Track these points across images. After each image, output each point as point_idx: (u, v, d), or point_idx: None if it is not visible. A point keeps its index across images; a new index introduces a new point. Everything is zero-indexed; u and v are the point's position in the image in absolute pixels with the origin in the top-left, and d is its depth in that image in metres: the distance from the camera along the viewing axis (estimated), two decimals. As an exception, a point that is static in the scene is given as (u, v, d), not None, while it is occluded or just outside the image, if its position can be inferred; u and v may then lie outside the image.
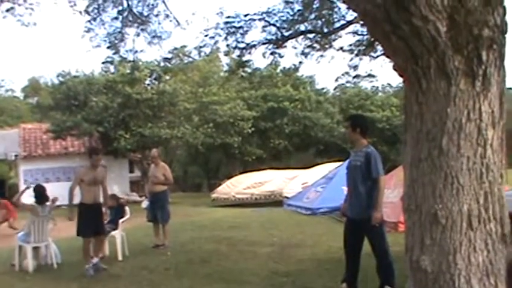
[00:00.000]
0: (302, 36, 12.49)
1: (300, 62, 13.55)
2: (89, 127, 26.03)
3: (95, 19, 11.56)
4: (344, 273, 6.73)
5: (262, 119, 33.95)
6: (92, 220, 9.19)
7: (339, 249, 7.52)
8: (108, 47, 12.45)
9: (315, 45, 12.83)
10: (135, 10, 11.40)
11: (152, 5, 11.43)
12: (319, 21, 12.16)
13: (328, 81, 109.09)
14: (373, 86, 44.17)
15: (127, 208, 11.19)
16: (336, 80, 43.50)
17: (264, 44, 12.26)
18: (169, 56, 27.97)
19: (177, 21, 11.98)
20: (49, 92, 36.17)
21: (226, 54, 19.08)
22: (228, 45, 12.63)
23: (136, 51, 13.37)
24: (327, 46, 13.03)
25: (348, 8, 10.05)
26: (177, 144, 29.16)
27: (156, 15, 11.71)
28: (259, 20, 12.01)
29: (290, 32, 12.16)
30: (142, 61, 26.44)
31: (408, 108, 3.63)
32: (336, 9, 11.95)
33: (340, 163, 19.08)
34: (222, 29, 12.16)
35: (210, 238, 12.31)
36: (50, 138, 27.91)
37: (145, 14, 11.58)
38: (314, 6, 11.92)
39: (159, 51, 59.49)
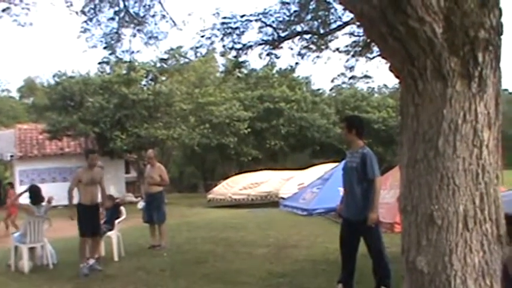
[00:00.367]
0: (298, 37, 12.50)
1: (296, 63, 13.58)
2: (85, 127, 26.00)
3: (91, 19, 11.54)
4: (340, 273, 6.75)
5: (258, 119, 33.97)
6: (89, 220, 9.23)
7: (335, 250, 7.53)
8: (104, 48, 12.45)
9: (311, 46, 12.84)
10: (131, 11, 11.39)
11: (149, 5, 11.43)
12: (316, 22, 12.17)
13: (324, 82, 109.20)
14: (369, 87, 44.30)
15: (123, 208, 11.19)
16: (332, 81, 43.67)
17: (260, 44, 12.26)
18: (166, 56, 27.97)
19: (173, 21, 11.99)
20: (45, 92, 36.07)
21: (223, 55, 19.03)
22: (224, 46, 12.63)
23: (132, 52, 13.34)
24: (323, 47, 13.04)
25: (344, 9, 10.06)
26: (173, 145, 29.13)
27: (153, 16, 11.71)
28: (256, 20, 12.01)
29: (286, 32, 12.17)
30: (138, 62, 26.42)
31: (404, 110, 3.63)
32: (332, 10, 11.96)
33: (336, 164, 19.10)
34: (218, 29, 12.17)
35: (206, 239, 12.31)
36: (46, 138, 27.89)
37: (142, 14, 11.57)
38: (310, 7, 11.92)
39: (156, 51, 59.54)
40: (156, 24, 12.00)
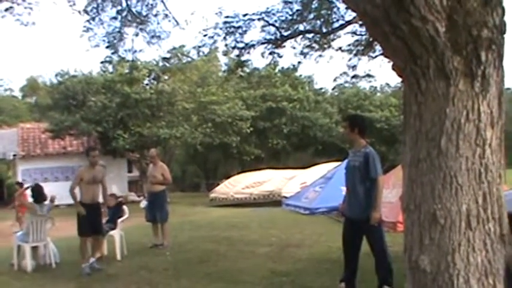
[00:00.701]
0: (301, 36, 12.48)
1: (299, 62, 13.55)
2: (88, 127, 26.04)
3: (93, 19, 11.54)
4: (343, 272, 6.75)
5: (260, 118, 33.97)
6: (90, 220, 9.20)
7: (338, 249, 7.53)
8: (107, 47, 12.44)
9: (314, 45, 12.83)
10: (134, 10, 11.39)
11: (151, 4, 11.42)
12: (318, 21, 12.16)
13: (326, 81, 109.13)
14: (372, 86, 44.15)
15: (125, 207, 11.19)
16: (335, 80, 43.47)
17: (262, 43, 12.25)
18: (168, 55, 27.96)
19: (176, 21, 11.97)
20: (47, 91, 36.17)
21: (225, 54, 19.05)
22: (226, 45, 12.63)
23: (135, 51, 13.32)
24: (325, 46, 13.03)
25: (347, 8, 10.06)
26: (176, 144, 29.14)
27: (155, 15, 11.70)
28: (258, 19, 12.00)
29: (289, 32, 12.15)
30: (141, 61, 26.43)
31: (407, 108, 3.63)
32: (335, 9, 11.94)
33: (339, 163, 19.11)
34: (221, 28, 12.15)
35: (208, 238, 12.31)
36: (49, 137, 27.93)
37: (144, 13, 11.56)
38: (313, 6, 11.91)
39: (158, 51, 59.50)
40: (158, 23, 12.00)
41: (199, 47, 13.07)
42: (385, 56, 4.08)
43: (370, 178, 6.36)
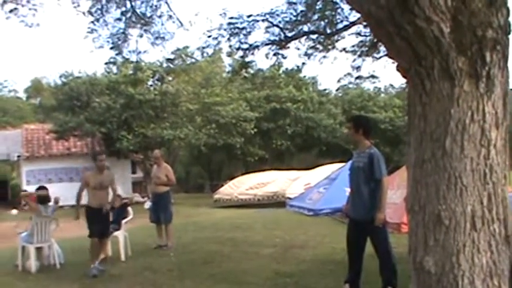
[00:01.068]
0: (305, 37, 12.48)
1: (303, 63, 13.55)
2: (92, 128, 26.05)
3: (98, 20, 11.56)
4: (347, 274, 6.74)
5: (264, 119, 33.94)
6: (98, 222, 9.16)
7: (342, 250, 7.52)
8: (111, 48, 12.45)
9: (318, 46, 12.82)
10: (138, 11, 11.40)
11: (155, 5, 11.44)
12: (322, 22, 12.15)
13: (330, 82, 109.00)
14: (376, 87, 44.06)
15: (130, 208, 11.21)
16: (339, 81, 43.49)
17: (267, 44, 12.25)
18: (172, 56, 27.97)
19: (180, 22, 11.98)
20: (52, 92, 36.24)
21: (229, 55, 19.02)
22: (231, 46, 12.63)
23: (139, 52, 13.33)
24: (329, 47, 13.02)
25: (351, 9, 10.06)
26: (180, 145, 29.13)
27: (159, 16, 11.71)
28: (263, 20, 12.00)
29: (293, 32, 12.15)
30: (145, 62, 26.43)
31: (412, 109, 3.63)
32: (339, 10, 11.93)
33: (343, 164, 19.07)
34: (225, 29, 12.15)
35: (212, 239, 12.32)
36: (53, 138, 27.94)
37: (149, 14, 11.58)
38: (317, 7, 11.91)
39: (162, 52, 59.47)
40: (162, 24, 12.01)
41: (204, 48, 13.09)
42: (390, 57, 4.08)
43: (375, 179, 6.35)
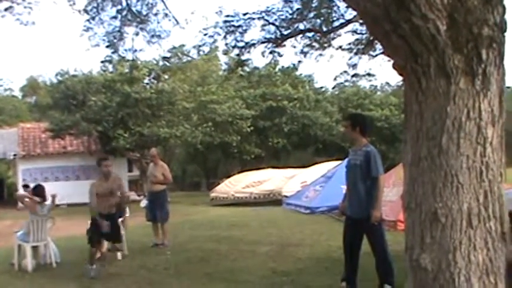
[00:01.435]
0: (301, 35, 12.47)
1: (299, 61, 13.53)
2: (88, 126, 26.03)
3: (93, 18, 11.53)
4: (343, 271, 6.74)
5: (261, 118, 33.95)
6: (107, 229, 8.87)
7: (338, 248, 7.53)
8: (107, 46, 12.43)
9: (314, 44, 12.82)
10: (134, 9, 11.37)
11: (151, 4, 11.41)
12: (318, 20, 12.14)
13: (327, 80, 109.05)
14: (372, 85, 44.22)
15: (127, 207, 11.19)
16: (335, 78, 43.41)
17: (263, 42, 12.24)
18: (168, 55, 27.97)
19: (176, 20, 11.97)
20: (48, 91, 36.20)
21: (225, 53, 19.03)
22: (227, 44, 12.60)
23: (135, 50, 13.33)
24: (326, 45, 13.01)
25: (347, 7, 10.04)
26: (176, 143, 29.13)
27: (155, 14, 11.69)
28: (258, 18, 11.99)
29: (289, 30, 12.14)
30: (141, 60, 26.41)
31: (408, 107, 3.63)
32: (335, 8, 11.92)
33: (339, 162, 19.10)
34: (221, 27, 12.14)
35: (209, 237, 12.32)
36: (49, 137, 27.90)
37: (145, 13, 11.55)
38: (313, 4, 11.89)
39: (158, 50, 59.49)
40: (158, 22, 11.99)
41: (200, 46, 13.06)
42: (386, 55, 4.07)
43: (371, 177, 6.35)
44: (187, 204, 24.38)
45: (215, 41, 12.54)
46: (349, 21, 11.77)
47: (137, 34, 12.06)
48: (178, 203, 23.08)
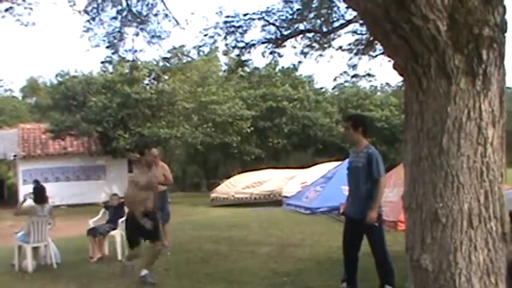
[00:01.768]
0: (301, 36, 12.48)
1: (299, 62, 13.54)
2: (88, 127, 26.02)
3: (94, 19, 11.55)
4: (344, 272, 6.74)
5: (261, 118, 33.96)
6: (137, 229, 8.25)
7: (338, 248, 7.53)
8: (107, 47, 12.43)
9: (314, 44, 12.83)
10: (134, 10, 11.39)
11: (151, 4, 11.42)
12: (319, 21, 12.16)
13: (327, 80, 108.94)
14: (372, 86, 44.11)
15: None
16: (335, 79, 43.31)
17: (263, 43, 12.25)
18: (168, 55, 27.95)
19: (176, 20, 11.98)
20: (48, 92, 36.20)
21: (225, 53, 19.03)
22: (227, 45, 12.62)
23: (135, 51, 13.30)
24: (326, 45, 13.03)
25: (348, 7, 10.06)
26: (176, 144, 29.13)
27: (155, 15, 11.70)
28: (259, 19, 12.00)
29: (289, 31, 12.15)
30: (141, 61, 26.40)
31: (408, 107, 3.63)
32: (335, 9, 11.94)
33: (339, 162, 19.11)
34: (221, 28, 12.15)
35: (209, 238, 12.32)
36: (49, 138, 27.89)
37: (145, 13, 11.56)
38: (313, 5, 11.91)
39: (158, 50, 59.55)
40: (158, 23, 12.00)
41: (200, 46, 13.10)
42: (386, 55, 4.08)
43: (373, 178, 6.35)
44: (187, 204, 24.38)
45: (215, 41, 12.56)
46: (349, 22, 11.79)
47: (137, 35, 12.08)
48: (179, 204, 23.08)
